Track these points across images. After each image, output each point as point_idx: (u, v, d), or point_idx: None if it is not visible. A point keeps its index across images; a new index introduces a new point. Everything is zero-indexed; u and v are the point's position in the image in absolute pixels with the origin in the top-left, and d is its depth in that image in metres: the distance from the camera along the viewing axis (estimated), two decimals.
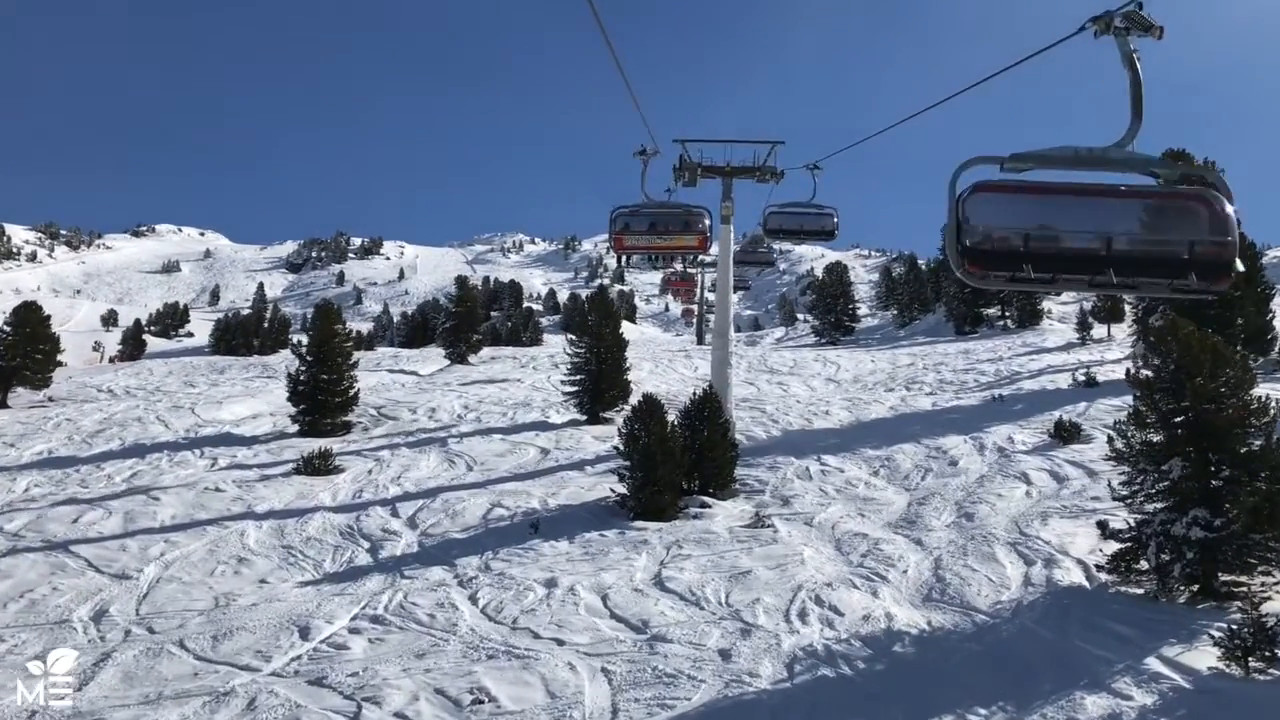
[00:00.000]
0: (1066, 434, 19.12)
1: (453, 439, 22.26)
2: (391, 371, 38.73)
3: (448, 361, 41.40)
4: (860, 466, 18.75)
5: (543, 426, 23.73)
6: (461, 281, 44.36)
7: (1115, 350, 34.58)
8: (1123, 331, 39.34)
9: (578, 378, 24.28)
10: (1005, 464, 18.10)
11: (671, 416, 17.15)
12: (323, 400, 24.57)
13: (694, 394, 17.72)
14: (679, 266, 60.58)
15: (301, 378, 24.59)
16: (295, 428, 24.47)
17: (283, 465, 20.16)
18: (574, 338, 25.00)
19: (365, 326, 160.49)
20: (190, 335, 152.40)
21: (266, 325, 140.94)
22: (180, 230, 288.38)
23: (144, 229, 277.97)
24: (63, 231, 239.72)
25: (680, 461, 16.48)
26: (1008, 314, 47.82)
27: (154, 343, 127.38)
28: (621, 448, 16.34)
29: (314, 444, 22.40)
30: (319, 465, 19.01)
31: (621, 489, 16.18)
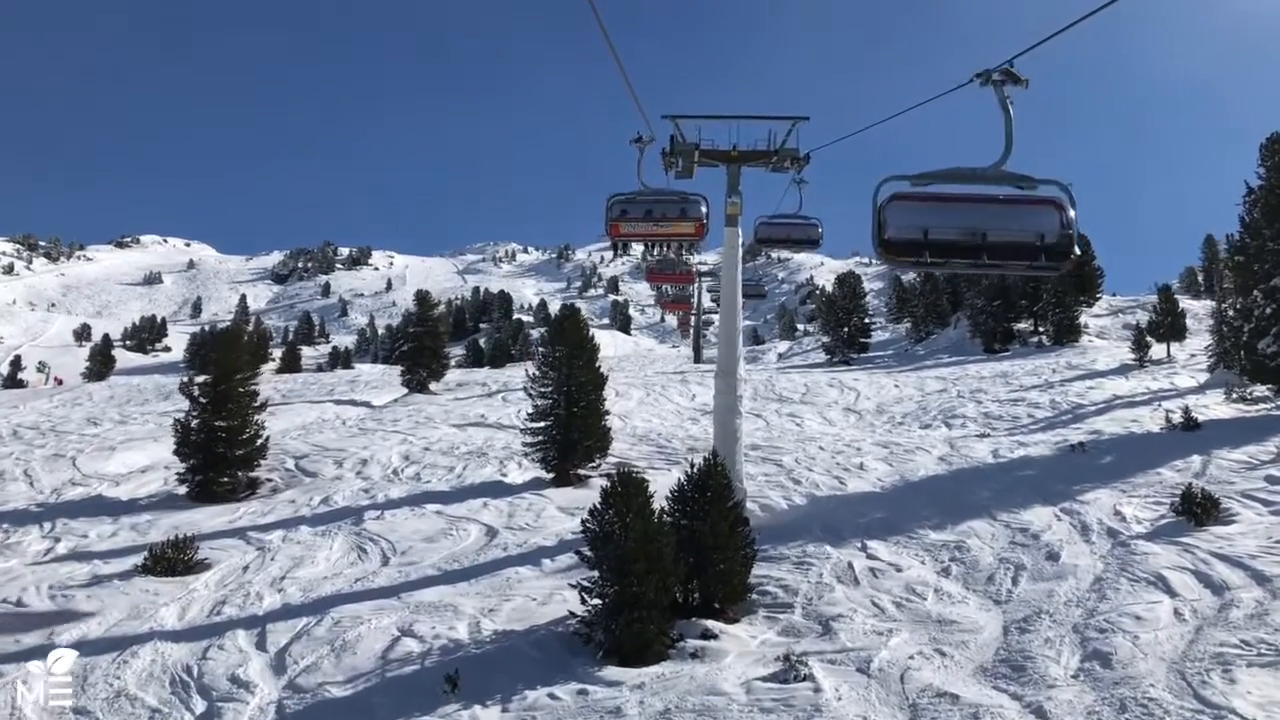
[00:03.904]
0: (1199, 510, 13.96)
1: (373, 511, 16.98)
2: (339, 403, 33.48)
3: (405, 390, 36.12)
4: (922, 560, 13.56)
5: (495, 490, 18.44)
6: (423, 297, 39.13)
7: (1184, 375, 29.52)
8: (1184, 352, 34.30)
9: (542, 425, 19.03)
10: (1126, 559, 12.89)
11: (663, 479, 12.05)
12: (221, 454, 19.37)
13: (691, 466, 12.50)
14: (668, 290, 54.96)
15: (193, 424, 19.37)
16: (184, 489, 19.27)
17: (139, 553, 14.95)
18: (537, 372, 19.75)
19: (350, 340, 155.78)
20: (168, 350, 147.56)
21: (245, 339, 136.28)
22: (165, 241, 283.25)
23: (128, 240, 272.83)
24: (41, 242, 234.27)
25: (672, 569, 11.30)
26: (1042, 329, 42.75)
27: (127, 358, 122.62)
28: (587, 552, 11.17)
29: (198, 515, 17.37)
30: (174, 560, 13.81)
31: (586, 610, 11.02)
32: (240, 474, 19.53)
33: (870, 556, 13.68)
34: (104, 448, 24.39)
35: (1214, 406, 22.53)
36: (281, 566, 14.21)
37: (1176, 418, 20.38)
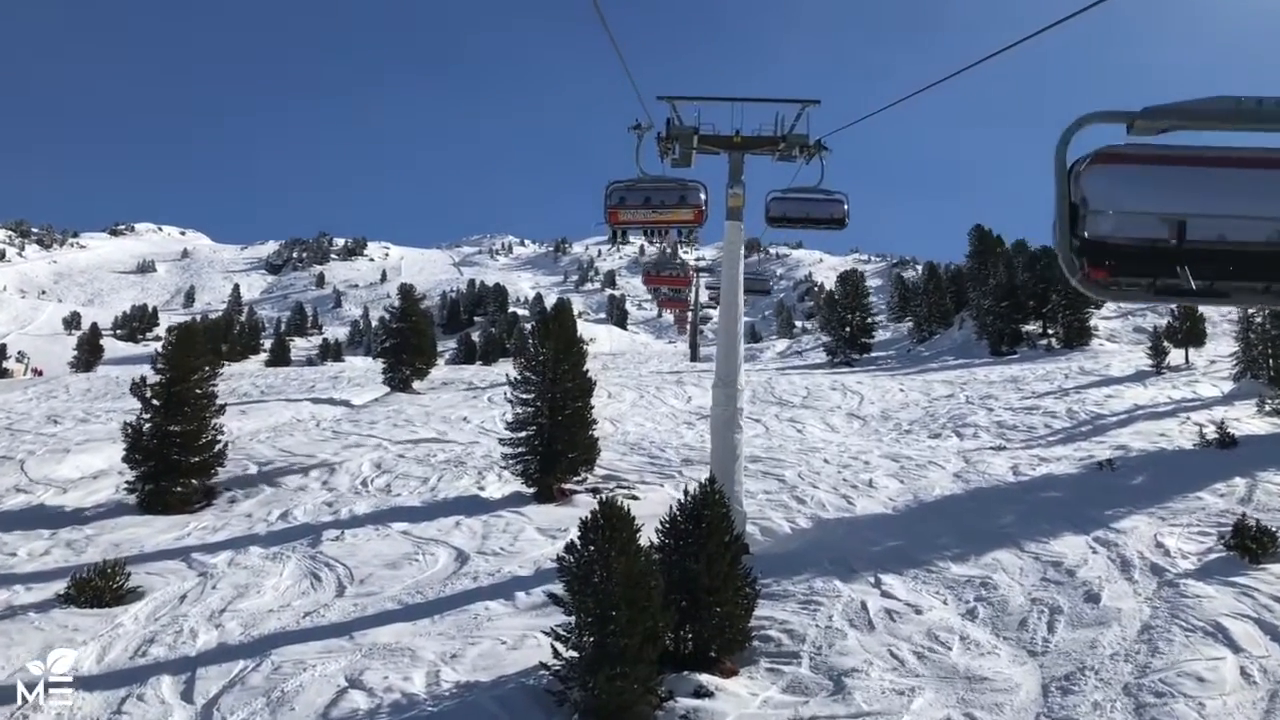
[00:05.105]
0: (1254, 545, 12.44)
1: (333, 530, 15.38)
2: (316, 401, 31.84)
3: (387, 389, 34.48)
4: (944, 598, 12.03)
5: (470, 506, 16.86)
6: (406, 292, 37.50)
7: (1205, 383, 27.99)
8: (1201, 358, 32.79)
9: (523, 434, 17.45)
10: (1176, 602, 11.37)
11: (655, 494, 10.51)
12: (175, 461, 17.82)
13: (685, 493, 10.97)
14: (666, 288, 53.49)
15: (145, 429, 17.82)
16: (134, 498, 17.74)
17: (68, 576, 13.38)
18: (518, 375, 18.14)
19: (343, 332, 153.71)
20: (158, 339, 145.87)
21: (237, 330, 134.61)
22: (160, 229, 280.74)
23: (122, 227, 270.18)
24: (34, 229, 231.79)
25: (661, 614, 9.77)
26: (1051, 331, 41.24)
27: (117, 347, 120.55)
28: (563, 594, 9.64)
29: (144, 529, 15.83)
30: (101, 589, 12.26)
31: (560, 663, 9.48)
32: (195, 482, 17.99)
33: (885, 594, 12.15)
34: (58, 449, 22.80)
35: (1246, 420, 21.02)
36: (223, 596, 12.65)
37: (1210, 432, 18.88)
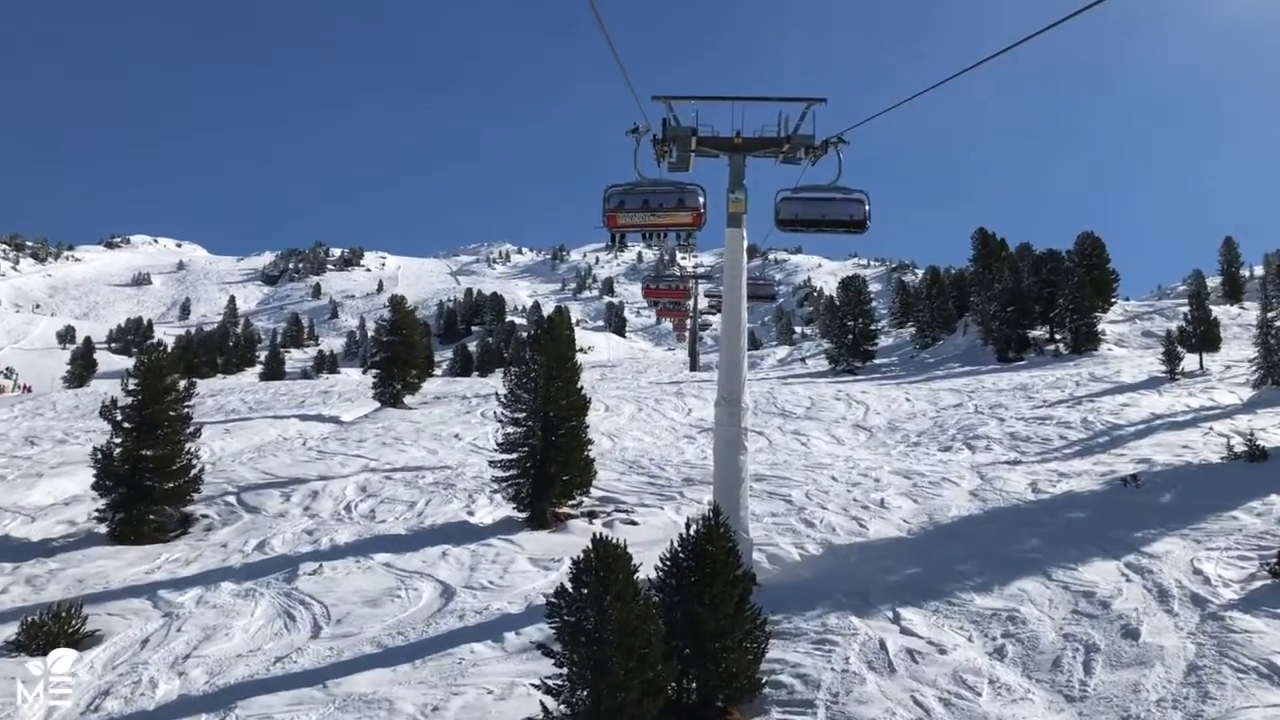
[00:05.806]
0: None
1: (310, 564, 14.38)
2: (305, 419, 30.87)
3: (378, 404, 33.51)
4: (969, 635, 11.09)
5: (459, 534, 15.88)
6: (397, 304, 36.51)
7: (1223, 390, 27.08)
8: (1216, 363, 31.87)
9: (514, 456, 16.49)
10: (1223, 638, 10.41)
11: (654, 519, 9.55)
12: (149, 487, 16.88)
13: (688, 525, 10.03)
14: (663, 298, 52.63)
15: (115, 454, 16.88)
16: (105, 528, 16.79)
17: (22, 617, 12.42)
18: (507, 392, 17.17)
19: (339, 342, 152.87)
20: None
21: (233, 343, 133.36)
22: (156, 241, 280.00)
23: (118, 240, 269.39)
24: (29, 243, 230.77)
25: (662, 660, 8.83)
26: (1059, 336, 40.32)
27: (111, 361, 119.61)
28: (555, 646, 8.70)
29: (112, 562, 14.91)
30: (54, 634, 11.31)
31: (552, 718, 8.54)
32: (169, 510, 17.05)
33: (905, 631, 11.21)
34: (31, 474, 21.87)
35: (1272, 430, 20.11)
36: (189, 640, 11.69)
37: (1237, 444, 17.96)
